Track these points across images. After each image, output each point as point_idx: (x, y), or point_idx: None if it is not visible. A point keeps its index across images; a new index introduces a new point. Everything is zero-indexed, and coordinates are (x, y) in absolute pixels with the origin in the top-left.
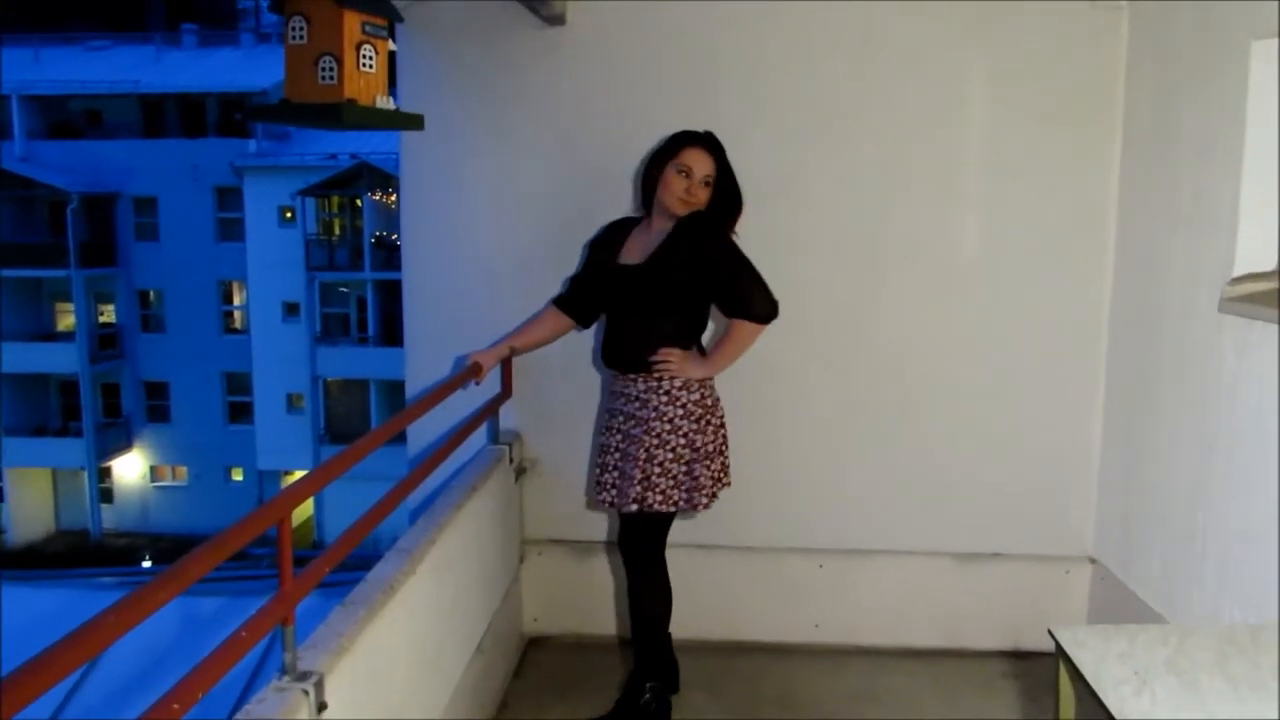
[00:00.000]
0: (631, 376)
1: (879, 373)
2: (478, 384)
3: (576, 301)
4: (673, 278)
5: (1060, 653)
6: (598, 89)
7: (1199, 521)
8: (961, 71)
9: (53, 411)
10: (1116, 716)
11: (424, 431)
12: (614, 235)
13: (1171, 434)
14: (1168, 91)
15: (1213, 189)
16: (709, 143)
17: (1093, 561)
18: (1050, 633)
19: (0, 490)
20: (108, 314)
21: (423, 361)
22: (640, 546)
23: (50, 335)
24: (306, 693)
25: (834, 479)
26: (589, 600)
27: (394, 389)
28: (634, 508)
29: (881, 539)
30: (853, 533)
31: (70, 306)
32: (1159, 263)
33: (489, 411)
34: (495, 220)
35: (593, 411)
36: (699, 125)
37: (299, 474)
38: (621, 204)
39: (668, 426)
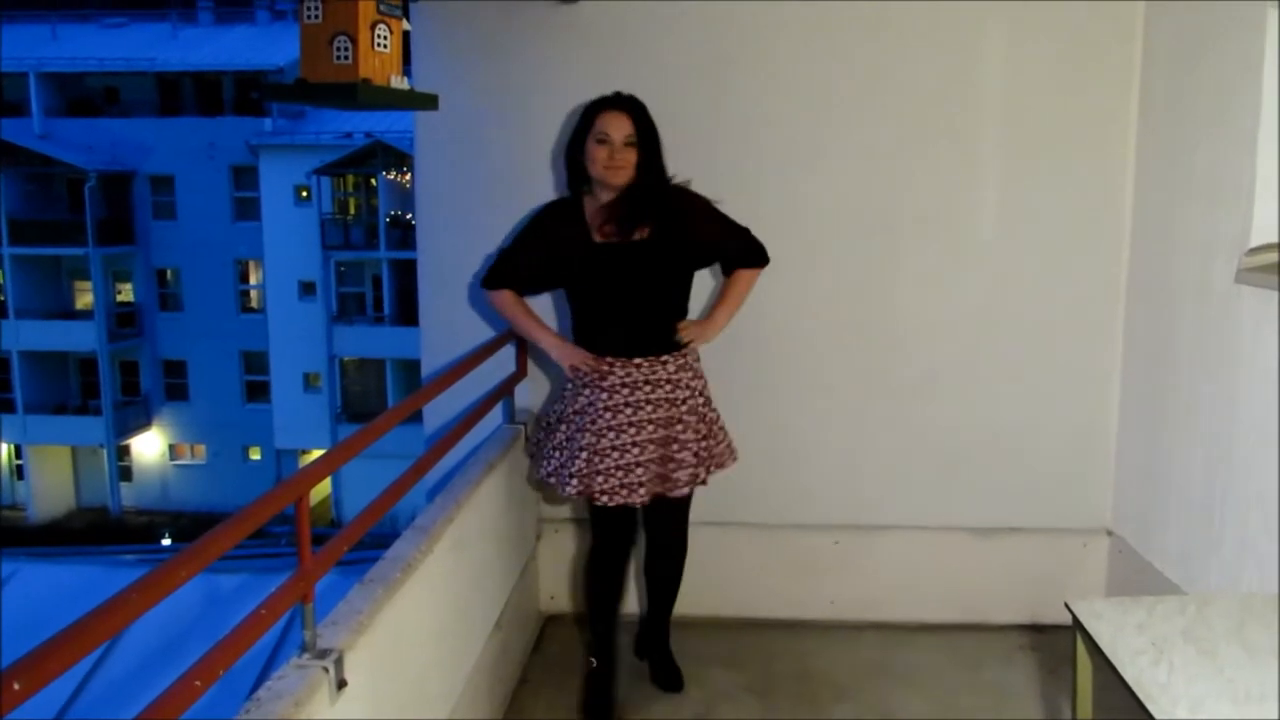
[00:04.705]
0: (663, 359)
1: (895, 346)
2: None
3: (529, 284)
4: (683, 248)
5: (1077, 625)
6: (612, 66)
7: (1217, 493)
8: (976, 42)
9: (72, 389)
10: (1134, 687)
11: (440, 411)
12: (567, 215)
13: (1189, 405)
14: (1184, 61)
15: (1229, 159)
16: (622, 103)
17: (1110, 534)
18: (1067, 605)
19: (21, 468)
20: (126, 292)
21: (438, 340)
22: (685, 521)
23: (69, 313)
24: (326, 670)
25: (849, 454)
26: None
27: (410, 368)
28: (686, 490)
29: (897, 514)
30: (868, 508)
31: (89, 284)
32: (1176, 234)
33: (504, 391)
34: (510, 199)
35: None
36: (712, 101)
37: (316, 453)
38: None
39: (701, 399)
